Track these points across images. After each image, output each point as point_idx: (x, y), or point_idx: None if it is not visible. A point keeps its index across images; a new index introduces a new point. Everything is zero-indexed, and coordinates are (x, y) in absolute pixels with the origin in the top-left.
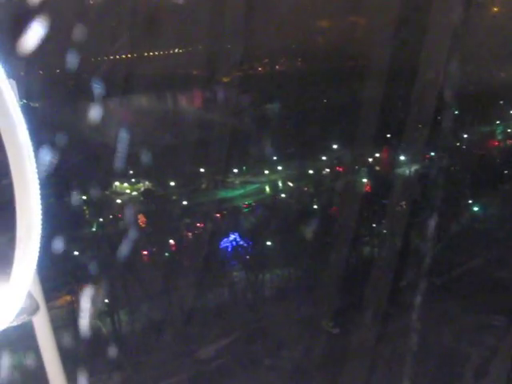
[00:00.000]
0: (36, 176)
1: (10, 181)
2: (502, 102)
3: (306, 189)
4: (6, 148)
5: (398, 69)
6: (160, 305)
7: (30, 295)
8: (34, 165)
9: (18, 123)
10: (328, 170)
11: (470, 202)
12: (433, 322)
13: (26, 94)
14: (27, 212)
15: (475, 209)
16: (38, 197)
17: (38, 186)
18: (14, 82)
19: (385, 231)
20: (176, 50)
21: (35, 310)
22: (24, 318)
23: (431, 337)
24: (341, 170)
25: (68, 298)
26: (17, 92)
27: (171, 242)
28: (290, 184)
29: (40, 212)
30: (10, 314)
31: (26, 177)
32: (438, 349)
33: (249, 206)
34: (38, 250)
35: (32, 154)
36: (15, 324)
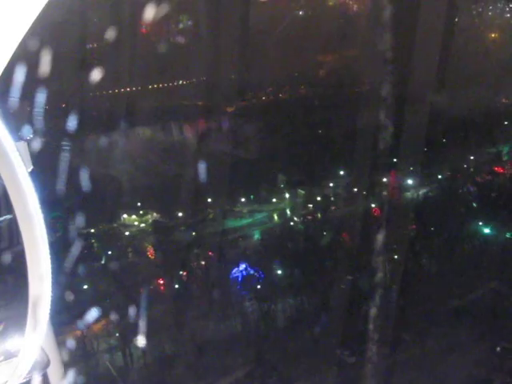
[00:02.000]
0: (46, 242)
1: (21, 247)
2: (506, 123)
3: (314, 215)
4: (17, 217)
5: (403, 93)
6: (171, 337)
7: (42, 350)
8: (45, 233)
9: (29, 193)
10: (336, 196)
11: (481, 224)
12: (449, 348)
13: (33, 130)
14: (38, 280)
15: (486, 231)
16: (49, 261)
17: (48, 252)
18: (25, 144)
19: (396, 256)
20: (180, 82)
21: (47, 364)
22: (36, 373)
23: (448, 363)
24: (349, 195)
25: (78, 332)
26: (28, 154)
27: (181, 273)
28: (299, 212)
29: (50, 279)
30: (23, 369)
31: (37, 244)
32: (456, 375)
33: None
34: (49, 309)
35: (42, 221)
36: (29, 379)
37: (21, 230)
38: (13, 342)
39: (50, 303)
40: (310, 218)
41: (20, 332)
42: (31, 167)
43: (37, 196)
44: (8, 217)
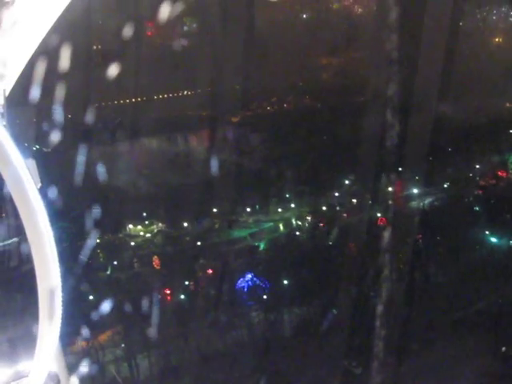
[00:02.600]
0: (57, 260)
1: (31, 266)
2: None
3: (320, 225)
4: (27, 236)
5: (408, 101)
6: (178, 348)
7: (52, 370)
8: (55, 251)
9: (38, 210)
10: (341, 205)
11: (487, 233)
12: (456, 357)
13: (38, 140)
14: (49, 300)
15: (492, 240)
16: (59, 279)
17: (58, 270)
18: (33, 162)
19: (402, 266)
20: (185, 92)
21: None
22: None
23: (456, 373)
24: (355, 205)
25: (83, 343)
26: (36, 171)
27: (187, 283)
28: (304, 221)
29: (60, 305)
30: None
31: (47, 262)
32: None
33: None
34: (59, 329)
35: (52, 240)
36: None
37: (31, 248)
38: (23, 362)
39: (60, 323)
40: (315, 227)
41: (30, 351)
42: (40, 184)
43: (46, 213)
44: (15, 240)
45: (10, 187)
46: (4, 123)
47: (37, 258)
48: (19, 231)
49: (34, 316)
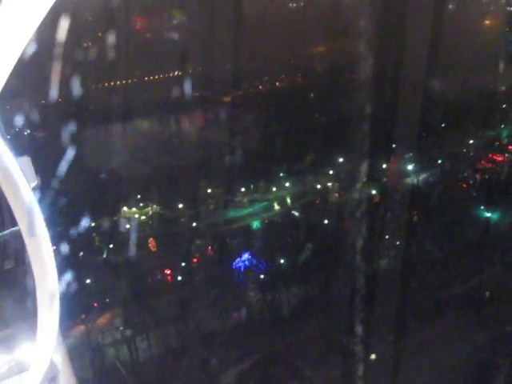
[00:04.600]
0: (53, 259)
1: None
2: (504, 106)
3: (315, 203)
4: (23, 237)
5: (399, 79)
6: (176, 330)
7: (52, 361)
8: (52, 250)
9: (34, 212)
10: (336, 183)
11: (483, 208)
12: (455, 333)
13: (30, 125)
14: (46, 290)
15: (489, 216)
16: (56, 277)
17: (55, 268)
18: (28, 159)
19: (398, 243)
20: (176, 73)
21: (58, 375)
22: None
23: (455, 349)
24: (349, 183)
25: (82, 327)
26: (32, 169)
27: (183, 264)
28: (299, 200)
29: (59, 294)
30: (34, 381)
31: (44, 262)
32: (464, 360)
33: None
34: (58, 325)
35: (49, 240)
36: None
37: (27, 249)
38: (23, 356)
39: (59, 318)
40: (310, 205)
41: (30, 346)
42: (35, 182)
43: (42, 213)
44: (15, 229)
45: (3, 189)
46: None
47: (33, 259)
48: (14, 223)
49: (34, 312)
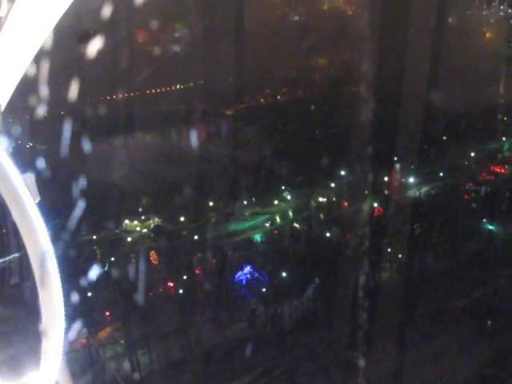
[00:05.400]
0: (58, 276)
1: (33, 282)
2: (506, 119)
3: (316, 216)
4: (27, 249)
5: (401, 92)
6: (178, 343)
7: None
8: (56, 266)
9: (39, 227)
10: (337, 196)
11: (485, 220)
12: (458, 346)
13: (33, 137)
14: (50, 310)
15: (491, 228)
16: (61, 294)
17: (60, 285)
18: (32, 176)
19: (400, 255)
20: (178, 86)
21: None
22: None
23: (458, 362)
24: (351, 195)
25: (83, 341)
26: (35, 186)
27: (185, 277)
28: (301, 213)
29: (63, 311)
30: None
31: (49, 278)
32: (467, 373)
33: None
34: (62, 344)
35: (53, 255)
36: None
37: (32, 265)
38: (27, 376)
39: (63, 337)
40: (312, 218)
41: (34, 366)
42: (38, 198)
43: (47, 228)
44: (16, 255)
45: (9, 204)
46: (0, 139)
47: (38, 275)
48: (20, 247)
49: (38, 332)
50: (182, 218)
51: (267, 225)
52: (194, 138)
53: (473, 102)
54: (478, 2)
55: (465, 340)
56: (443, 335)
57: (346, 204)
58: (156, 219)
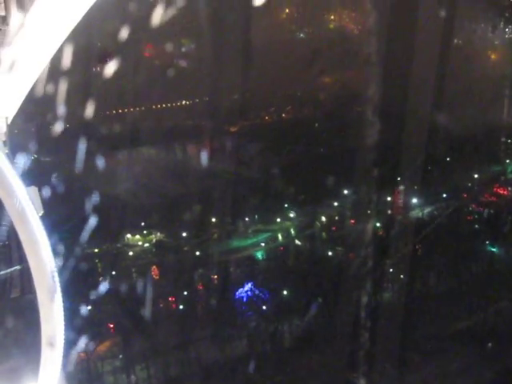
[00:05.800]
0: (59, 289)
1: (34, 295)
2: (509, 141)
3: (319, 235)
4: (29, 262)
5: (405, 112)
6: (177, 359)
7: None
8: (57, 279)
9: (41, 241)
10: (340, 215)
11: (488, 242)
12: (459, 369)
13: (37, 149)
14: (51, 324)
15: (493, 250)
16: (62, 308)
17: (60, 299)
18: (35, 189)
19: (402, 276)
20: (183, 102)
21: None
22: None
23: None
24: (354, 215)
25: (82, 354)
26: (39, 199)
27: (186, 293)
28: (303, 231)
29: (63, 324)
30: None
31: (50, 291)
32: None
33: None
34: (61, 358)
35: (55, 268)
36: None
37: (33, 277)
38: None
39: (62, 349)
40: (314, 237)
41: (33, 378)
42: (42, 212)
43: (49, 242)
44: (17, 268)
45: (12, 217)
46: (6, 151)
47: (39, 287)
48: (21, 260)
49: (38, 344)
50: (184, 234)
51: (269, 242)
52: (198, 153)
53: (477, 124)
54: (484, 24)
55: (466, 362)
56: (444, 357)
57: (348, 223)
58: (158, 234)
